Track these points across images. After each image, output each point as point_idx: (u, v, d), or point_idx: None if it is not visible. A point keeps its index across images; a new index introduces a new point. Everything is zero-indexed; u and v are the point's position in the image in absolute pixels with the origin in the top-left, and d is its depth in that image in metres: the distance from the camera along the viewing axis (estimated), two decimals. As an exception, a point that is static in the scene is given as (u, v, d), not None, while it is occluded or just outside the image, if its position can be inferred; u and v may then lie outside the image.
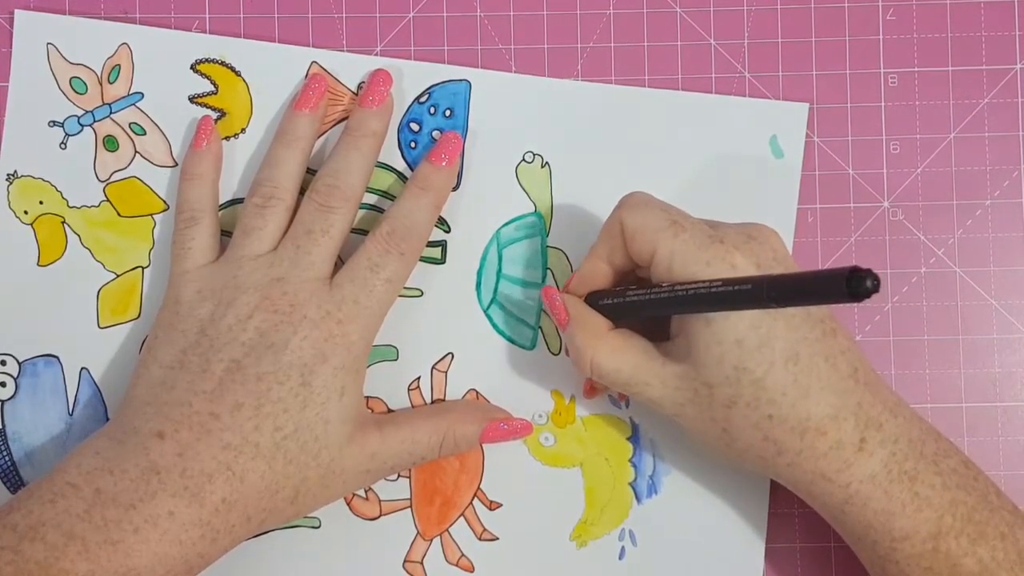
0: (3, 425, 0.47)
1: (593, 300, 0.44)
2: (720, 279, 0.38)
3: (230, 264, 0.44)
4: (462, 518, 0.47)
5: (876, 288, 0.31)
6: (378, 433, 0.44)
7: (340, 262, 0.46)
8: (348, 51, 0.48)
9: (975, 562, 0.39)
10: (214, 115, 0.48)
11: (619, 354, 0.42)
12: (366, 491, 0.47)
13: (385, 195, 0.48)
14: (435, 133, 0.48)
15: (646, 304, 0.41)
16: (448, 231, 0.48)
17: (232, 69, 0.48)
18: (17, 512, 0.39)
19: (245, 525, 0.42)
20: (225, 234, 0.47)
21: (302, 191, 0.46)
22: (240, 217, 0.45)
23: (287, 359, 0.42)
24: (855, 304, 0.40)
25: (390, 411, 0.47)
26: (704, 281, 0.38)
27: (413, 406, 0.47)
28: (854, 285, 0.31)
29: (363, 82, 0.48)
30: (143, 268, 0.48)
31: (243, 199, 0.47)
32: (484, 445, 0.47)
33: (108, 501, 0.40)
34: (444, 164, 0.46)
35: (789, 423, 0.39)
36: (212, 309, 0.43)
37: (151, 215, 0.48)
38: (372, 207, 0.48)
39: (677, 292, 0.39)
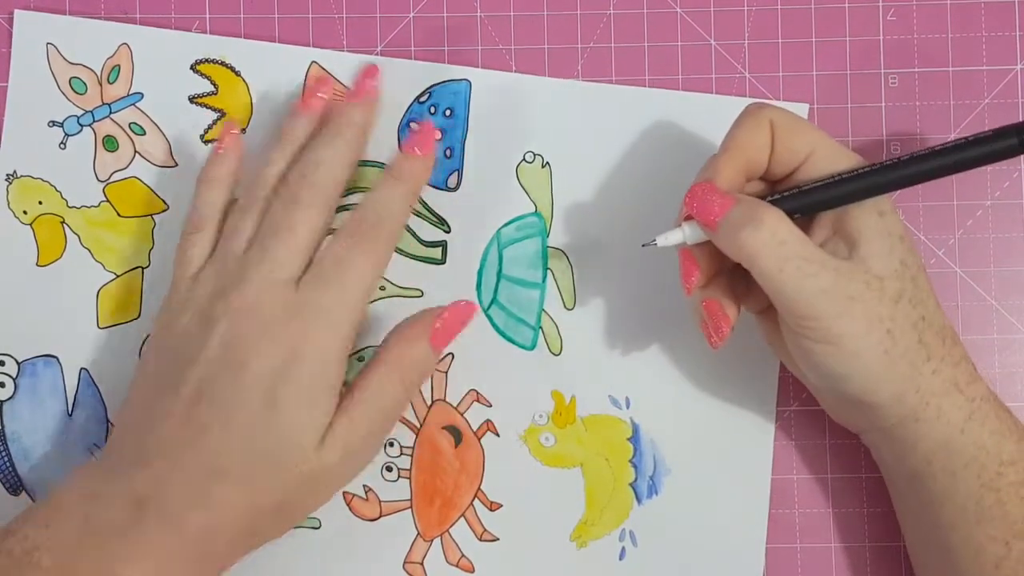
0: (2, 425, 0.47)
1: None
2: (954, 140, 0.40)
3: (212, 270, 0.43)
4: (462, 519, 0.47)
5: None
6: (346, 420, 0.41)
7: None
8: (348, 51, 0.48)
9: None
10: (236, 130, 0.47)
11: (798, 231, 0.39)
12: (366, 491, 0.47)
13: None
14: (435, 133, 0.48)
15: (842, 190, 0.40)
16: (448, 231, 0.48)
17: (232, 69, 0.48)
18: (14, 536, 0.39)
19: (229, 551, 0.41)
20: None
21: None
22: (229, 218, 0.45)
23: (249, 379, 0.40)
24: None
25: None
26: (917, 152, 0.40)
27: (413, 406, 0.47)
28: None
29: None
30: (143, 268, 0.48)
31: (243, 199, 0.48)
32: (483, 443, 0.47)
33: (97, 529, 0.39)
34: (418, 153, 0.44)
35: (934, 327, 0.40)
36: (187, 322, 0.42)
37: (151, 215, 0.48)
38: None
39: (887, 170, 0.40)
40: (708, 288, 0.42)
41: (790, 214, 0.40)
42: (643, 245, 0.43)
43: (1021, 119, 0.47)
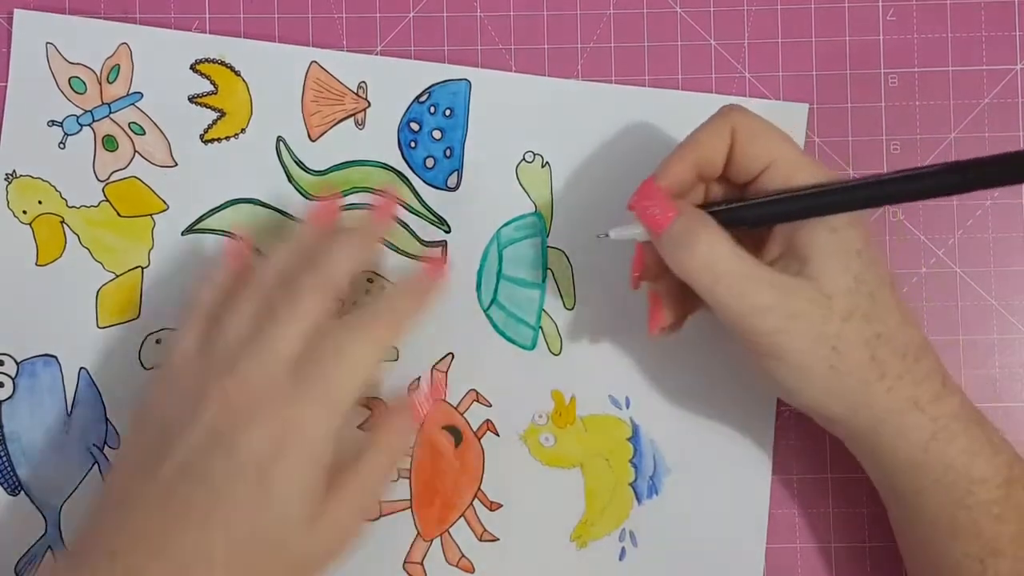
0: (1, 425, 0.47)
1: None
2: (895, 171, 0.38)
3: (201, 356, 0.41)
4: (462, 519, 0.47)
5: None
6: (337, 501, 0.40)
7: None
8: (348, 51, 0.48)
9: None
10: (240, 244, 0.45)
11: (737, 248, 0.39)
12: (366, 492, 0.47)
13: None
14: (435, 133, 0.47)
15: (781, 213, 0.40)
16: (448, 231, 0.48)
17: (232, 69, 0.48)
18: None
19: None
20: (212, 232, 0.47)
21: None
22: (224, 303, 0.43)
23: (243, 453, 0.38)
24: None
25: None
26: (870, 176, 0.39)
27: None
28: None
29: (362, 82, 0.48)
30: (142, 268, 0.48)
31: (243, 200, 0.47)
32: (483, 443, 0.47)
33: None
34: (431, 277, 0.43)
35: (893, 344, 0.39)
36: (171, 407, 0.40)
37: (151, 215, 0.48)
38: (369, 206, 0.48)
39: (833, 192, 0.38)
40: (661, 281, 0.42)
41: (737, 226, 0.40)
42: (597, 236, 0.43)
43: (1021, 119, 0.47)
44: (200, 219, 0.48)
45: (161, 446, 0.39)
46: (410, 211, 0.48)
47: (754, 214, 0.40)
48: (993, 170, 0.36)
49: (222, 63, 0.48)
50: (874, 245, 0.40)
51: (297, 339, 0.40)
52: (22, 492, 0.47)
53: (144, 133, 0.48)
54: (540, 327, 0.48)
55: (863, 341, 0.39)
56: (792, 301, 0.38)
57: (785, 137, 0.41)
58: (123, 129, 0.48)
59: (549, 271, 0.48)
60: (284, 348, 0.40)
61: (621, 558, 0.47)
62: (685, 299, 0.42)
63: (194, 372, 0.41)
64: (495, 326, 0.48)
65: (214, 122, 0.48)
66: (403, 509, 0.47)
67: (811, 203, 0.39)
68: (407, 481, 0.47)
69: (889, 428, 0.40)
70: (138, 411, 0.42)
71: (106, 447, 0.47)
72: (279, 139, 0.48)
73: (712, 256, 0.38)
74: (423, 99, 0.48)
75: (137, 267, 0.48)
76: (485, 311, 0.48)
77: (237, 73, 0.48)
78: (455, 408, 0.47)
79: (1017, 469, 0.40)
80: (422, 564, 0.47)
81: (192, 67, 0.48)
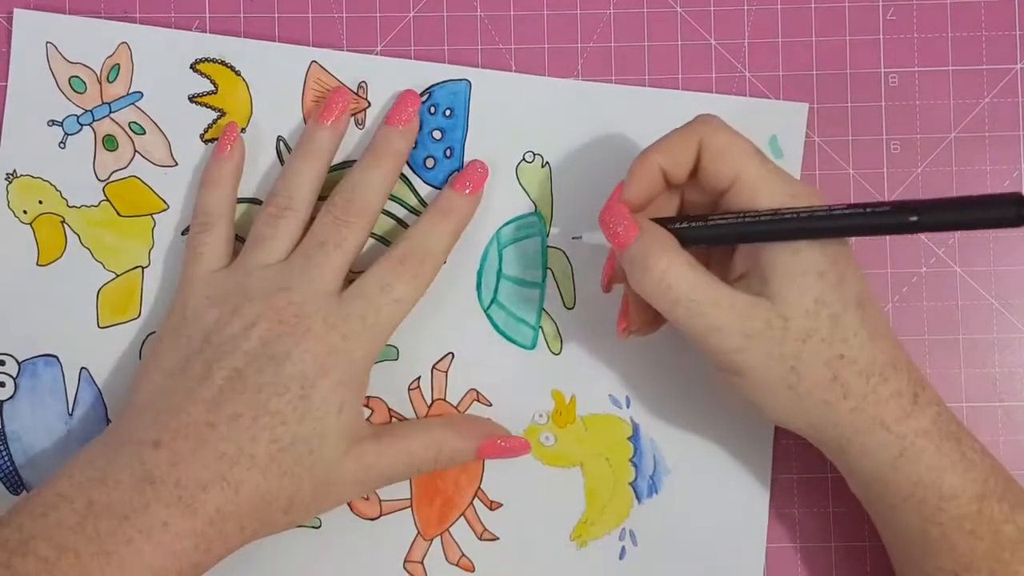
0: (3, 425, 0.47)
1: (660, 223, 0.42)
2: (844, 205, 0.38)
3: (240, 272, 0.44)
4: (462, 518, 0.47)
5: None
6: (374, 446, 0.44)
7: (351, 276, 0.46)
8: (348, 50, 0.48)
9: (1014, 529, 0.39)
10: (238, 127, 0.47)
11: (694, 269, 0.39)
12: (366, 491, 0.47)
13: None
14: (435, 133, 0.48)
15: (737, 235, 0.40)
16: (448, 231, 0.48)
17: (232, 69, 0.48)
18: (8, 528, 0.39)
19: (239, 535, 0.41)
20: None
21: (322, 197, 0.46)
22: (253, 225, 0.45)
23: (288, 371, 0.42)
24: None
25: (390, 411, 0.47)
26: (823, 206, 0.38)
27: (414, 406, 0.47)
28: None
29: (362, 82, 0.48)
30: (143, 268, 0.48)
31: (243, 200, 0.47)
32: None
33: (101, 512, 0.39)
34: (468, 192, 0.46)
35: (858, 365, 0.39)
36: (218, 316, 0.43)
37: (151, 215, 0.48)
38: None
39: (788, 221, 0.38)
40: (630, 287, 0.43)
41: (696, 244, 0.41)
42: (572, 238, 0.46)
43: (1021, 119, 0.47)
44: (200, 219, 0.48)
45: (206, 353, 0.42)
46: (410, 211, 0.48)
47: (710, 234, 0.40)
48: (951, 214, 0.36)
49: (222, 63, 0.48)
50: (846, 263, 0.39)
51: (342, 272, 0.44)
52: (23, 491, 0.47)
53: (144, 133, 0.48)
54: (540, 327, 0.48)
55: (823, 362, 0.39)
56: (748, 322, 0.39)
57: (751, 153, 0.40)
58: (123, 129, 0.48)
59: (549, 271, 0.48)
60: (329, 281, 0.43)
61: (621, 557, 0.47)
62: (646, 308, 0.43)
63: (237, 286, 0.44)
64: (495, 326, 0.48)
65: (214, 121, 0.48)
66: (403, 508, 0.47)
67: (764, 229, 0.39)
68: (407, 480, 0.47)
69: (855, 447, 0.40)
70: (172, 317, 0.45)
71: (107, 447, 0.47)
72: (279, 139, 0.48)
73: (668, 278, 0.39)
74: (423, 99, 0.48)
75: (137, 267, 0.48)
76: (485, 311, 0.48)
77: (237, 73, 0.48)
78: (455, 408, 0.48)
79: (992, 483, 0.40)
80: (422, 563, 0.47)
81: (192, 67, 0.48)
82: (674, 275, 0.39)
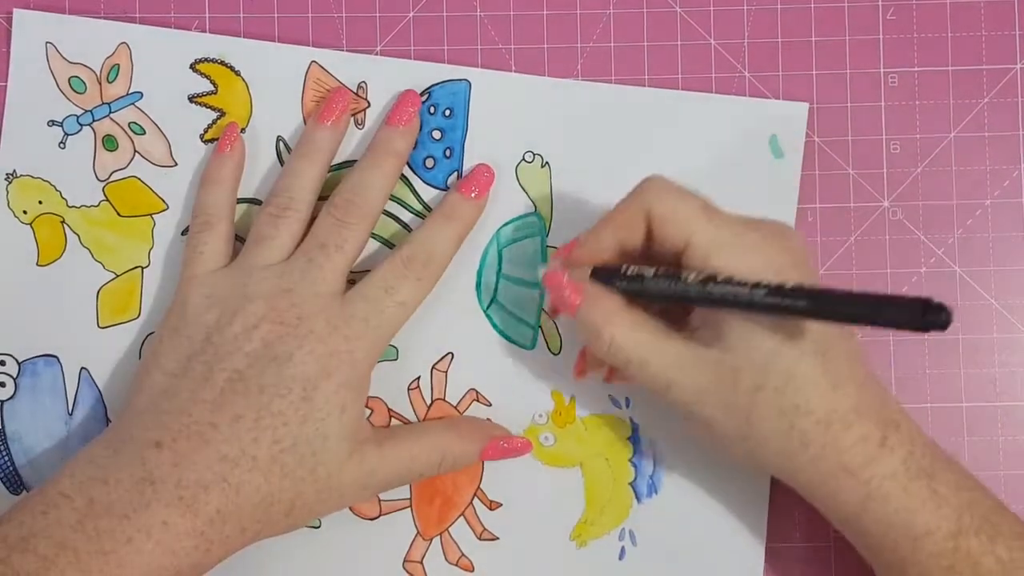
0: (3, 425, 0.47)
1: (602, 277, 0.42)
2: (765, 285, 0.37)
3: (240, 271, 0.44)
4: (462, 518, 0.47)
5: (949, 323, 0.32)
6: (377, 450, 0.43)
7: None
8: (348, 51, 0.48)
9: (995, 561, 0.39)
10: (238, 127, 0.47)
11: (639, 331, 0.40)
12: (366, 491, 0.47)
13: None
14: (435, 133, 0.48)
15: (671, 296, 0.40)
16: (448, 231, 0.48)
17: (232, 69, 0.48)
18: (8, 524, 0.39)
19: (239, 536, 0.41)
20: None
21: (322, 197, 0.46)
22: (254, 225, 0.45)
23: (290, 372, 0.42)
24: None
25: (390, 411, 0.47)
26: (746, 284, 0.38)
27: (413, 406, 0.47)
28: (930, 317, 0.32)
29: (362, 82, 0.48)
30: (143, 268, 0.48)
31: (243, 200, 0.47)
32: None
33: (101, 511, 0.39)
34: (474, 196, 0.46)
35: (816, 414, 0.39)
36: (218, 316, 0.43)
37: (151, 215, 0.48)
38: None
39: (712, 293, 0.38)
40: None
41: (647, 300, 0.41)
42: (538, 266, 0.47)
43: (1021, 119, 0.47)
44: (200, 219, 0.48)
45: (207, 353, 0.42)
46: (410, 211, 0.48)
47: (649, 293, 0.41)
48: (894, 313, 0.35)
49: (222, 63, 0.48)
50: None
51: (344, 274, 0.44)
52: (24, 491, 0.47)
53: (144, 133, 0.48)
54: (540, 327, 0.48)
55: (778, 413, 0.39)
56: (698, 376, 0.40)
57: (698, 215, 0.40)
58: (123, 129, 0.48)
59: (549, 271, 0.48)
60: (331, 283, 0.43)
61: (621, 557, 0.47)
62: None
63: (237, 286, 0.44)
64: (495, 326, 0.48)
65: (214, 122, 0.48)
66: (402, 508, 0.47)
67: (694, 294, 0.39)
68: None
69: (821, 492, 0.40)
70: (172, 316, 0.44)
71: (107, 447, 0.47)
72: (279, 139, 0.48)
73: (617, 342, 0.40)
74: (423, 99, 0.48)
75: (137, 267, 0.48)
76: (485, 311, 0.48)
77: (237, 73, 0.48)
78: (455, 408, 0.48)
79: (967, 519, 0.39)
80: (422, 563, 0.47)
81: (192, 67, 0.48)
82: (620, 339, 0.40)
